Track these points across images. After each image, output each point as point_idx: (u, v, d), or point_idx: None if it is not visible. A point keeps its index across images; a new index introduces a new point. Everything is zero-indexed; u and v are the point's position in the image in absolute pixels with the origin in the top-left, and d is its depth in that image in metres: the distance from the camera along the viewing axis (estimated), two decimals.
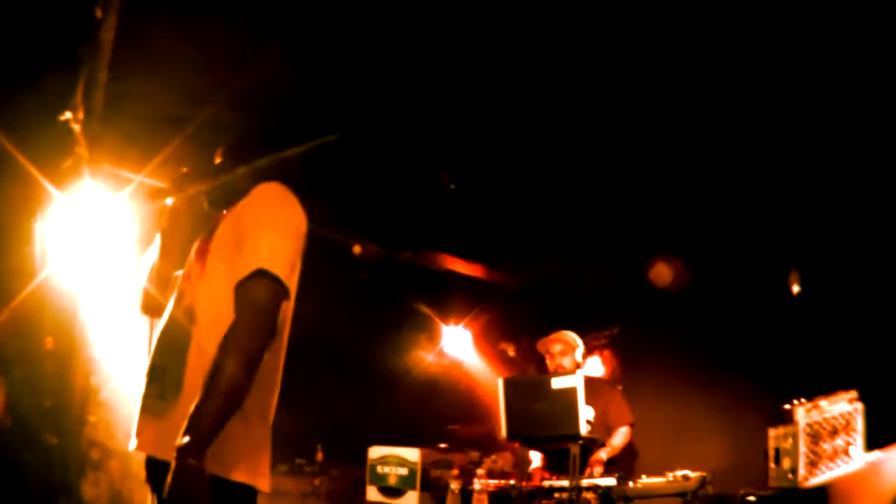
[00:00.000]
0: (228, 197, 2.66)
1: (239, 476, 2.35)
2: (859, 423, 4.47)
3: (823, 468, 4.21)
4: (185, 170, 2.81)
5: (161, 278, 2.81)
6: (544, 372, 5.84)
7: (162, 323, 2.62)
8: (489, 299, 8.04)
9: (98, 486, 5.11)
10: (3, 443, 4.51)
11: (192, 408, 2.19)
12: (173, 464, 2.13)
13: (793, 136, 5.17)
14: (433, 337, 8.23)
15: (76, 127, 4.29)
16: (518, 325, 7.63)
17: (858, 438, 4.45)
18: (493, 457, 5.66)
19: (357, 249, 6.89)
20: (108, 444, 5.19)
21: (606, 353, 7.17)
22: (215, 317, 2.41)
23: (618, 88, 5.06)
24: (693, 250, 6.43)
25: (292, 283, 2.49)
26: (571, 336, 5.91)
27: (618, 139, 5.59)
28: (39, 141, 4.28)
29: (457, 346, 8.23)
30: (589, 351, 6.43)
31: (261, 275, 2.36)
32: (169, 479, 2.11)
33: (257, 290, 2.36)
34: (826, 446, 4.25)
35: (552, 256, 6.88)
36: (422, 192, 6.32)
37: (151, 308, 2.84)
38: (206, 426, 2.17)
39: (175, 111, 4.05)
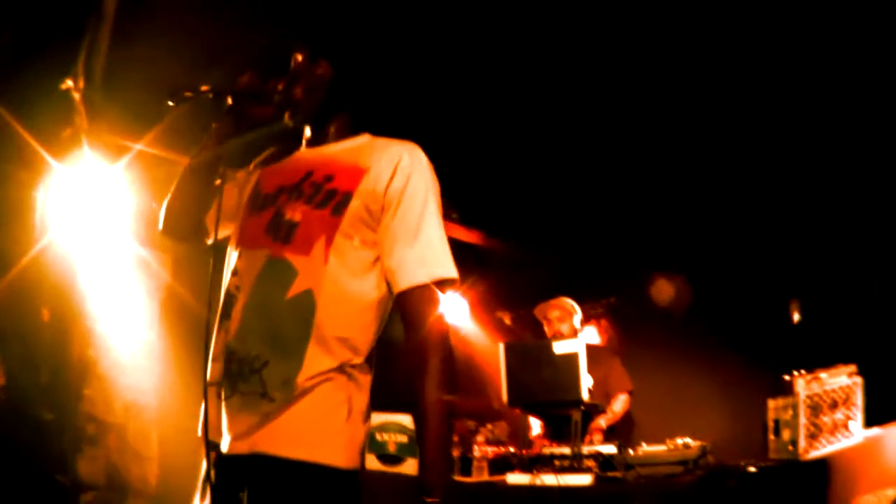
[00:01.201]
0: (321, 134, 2.33)
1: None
2: (859, 398, 4.47)
3: (824, 441, 4.19)
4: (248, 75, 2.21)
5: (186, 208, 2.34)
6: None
7: (250, 299, 2.14)
8: (486, 267, 8.00)
9: (95, 461, 5.06)
10: None
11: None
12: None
13: None
14: None
15: (76, 96, 4.20)
16: (515, 293, 7.62)
17: (858, 413, 4.46)
18: (490, 426, 5.64)
19: None
20: (105, 418, 5.14)
21: (603, 322, 7.18)
22: (352, 313, 2.15)
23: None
24: (694, 228, 6.48)
25: None
26: (569, 302, 5.92)
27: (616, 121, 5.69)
28: (38, 110, 4.20)
29: (453, 314, 8.20)
30: (586, 320, 6.42)
31: (444, 283, 2.15)
32: None
33: (440, 297, 2.14)
34: (826, 419, 4.22)
35: (549, 225, 6.85)
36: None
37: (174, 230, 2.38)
38: (439, 469, 2.14)
39: (177, 79, 3.98)
